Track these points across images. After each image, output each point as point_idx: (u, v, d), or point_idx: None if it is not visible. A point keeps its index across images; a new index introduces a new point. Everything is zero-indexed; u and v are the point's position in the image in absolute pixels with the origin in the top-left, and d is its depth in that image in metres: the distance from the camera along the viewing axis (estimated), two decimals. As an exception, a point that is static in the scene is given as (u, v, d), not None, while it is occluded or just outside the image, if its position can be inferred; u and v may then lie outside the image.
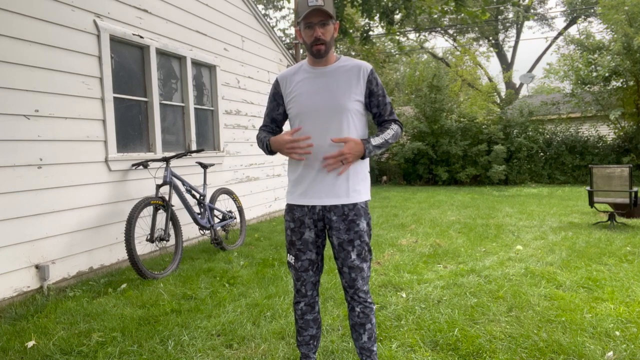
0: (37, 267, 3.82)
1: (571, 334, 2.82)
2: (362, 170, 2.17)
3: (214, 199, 5.37)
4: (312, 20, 2.00)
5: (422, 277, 4.06)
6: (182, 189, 5.07)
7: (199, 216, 5.02)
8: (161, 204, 4.42)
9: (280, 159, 8.11)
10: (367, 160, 2.19)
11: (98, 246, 4.39)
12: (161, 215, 4.59)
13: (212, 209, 5.24)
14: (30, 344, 2.83)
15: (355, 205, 2.11)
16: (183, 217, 5.10)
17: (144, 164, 4.71)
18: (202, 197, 5.12)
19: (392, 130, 2.16)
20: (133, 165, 4.68)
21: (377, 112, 2.20)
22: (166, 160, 4.64)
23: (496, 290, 3.66)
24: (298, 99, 2.13)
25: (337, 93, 2.08)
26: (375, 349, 2.25)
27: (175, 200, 5.00)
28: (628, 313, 3.13)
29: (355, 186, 2.12)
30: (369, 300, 2.20)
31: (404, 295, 3.61)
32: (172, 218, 4.57)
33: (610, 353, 2.57)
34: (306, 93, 2.12)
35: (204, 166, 5.32)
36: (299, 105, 2.13)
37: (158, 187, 4.49)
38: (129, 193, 4.73)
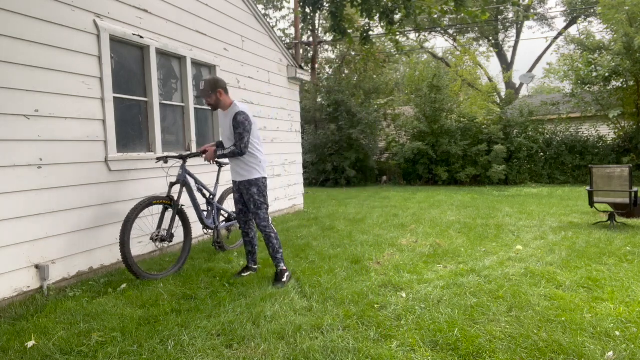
0: (37, 267, 3.82)
1: (571, 334, 2.82)
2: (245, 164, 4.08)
3: (222, 198, 5.32)
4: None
5: (422, 277, 4.06)
6: (194, 187, 4.99)
7: (206, 215, 4.96)
8: (169, 203, 4.39)
9: (280, 159, 8.12)
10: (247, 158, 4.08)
11: (98, 246, 4.39)
12: (168, 214, 4.54)
13: (219, 209, 5.20)
14: (30, 344, 2.83)
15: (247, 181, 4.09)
16: (189, 215, 5.04)
17: (165, 159, 4.63)
18: (211, 197, 5.04)
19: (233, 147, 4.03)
20: (157, 159, 4.61)
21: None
22: (183, 158, 4.58)
23: (496, 290, 3.66)
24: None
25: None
26: (278, 256, 4.09)
27: (184, 199, 4.94)
28: (628, 313, 3.14)
29: (242, 172, 4.09)
30: (267, 230, 4.07)
31: (404, 295, 3.61)
32: (183, 218, 4.54)
33: (610, 353, 2.57)
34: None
35: (220, 165, 5.23)
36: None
37: (171, 185, 4.46)
38: (129, 193, 4.73)
